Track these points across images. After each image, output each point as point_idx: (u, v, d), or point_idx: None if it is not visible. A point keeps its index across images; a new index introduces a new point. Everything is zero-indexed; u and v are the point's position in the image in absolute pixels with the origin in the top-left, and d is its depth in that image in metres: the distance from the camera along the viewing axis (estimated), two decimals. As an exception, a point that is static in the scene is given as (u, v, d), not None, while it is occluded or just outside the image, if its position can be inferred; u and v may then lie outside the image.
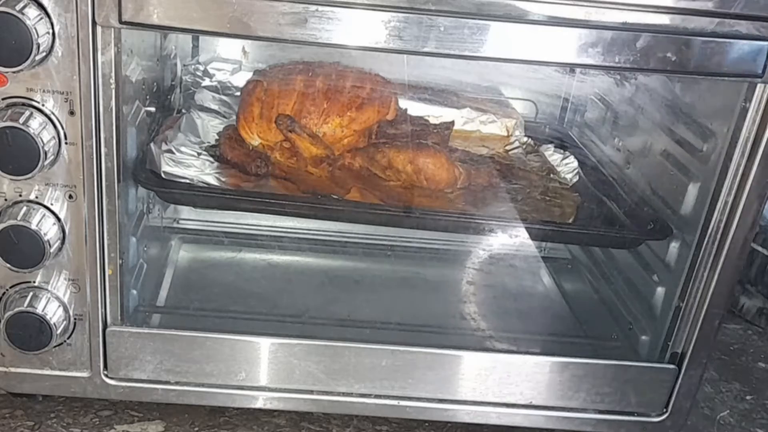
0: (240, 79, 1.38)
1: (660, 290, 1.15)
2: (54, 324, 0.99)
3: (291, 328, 1.22)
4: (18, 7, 0.84)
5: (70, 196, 0.97)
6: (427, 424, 1.17)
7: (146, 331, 1.06)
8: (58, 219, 0.97)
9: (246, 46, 1.46)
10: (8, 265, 0.97)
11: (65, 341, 1.04)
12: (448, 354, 1.11)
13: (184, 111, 1.31)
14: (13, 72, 0.89)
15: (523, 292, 1.51)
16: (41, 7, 0.87)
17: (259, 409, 1.13)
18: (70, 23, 0.88)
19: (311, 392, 1.10)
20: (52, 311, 0.99)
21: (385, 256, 1.53)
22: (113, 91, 0.93)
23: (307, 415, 1.15)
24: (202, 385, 1.08)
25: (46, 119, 0.92)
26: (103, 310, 1.03)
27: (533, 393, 1.13)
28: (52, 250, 0.96)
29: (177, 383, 1.08)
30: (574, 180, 1.32)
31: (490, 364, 1.11)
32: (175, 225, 1.50)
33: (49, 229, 0.95)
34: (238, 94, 1.30)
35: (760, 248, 1.52)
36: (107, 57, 0.91)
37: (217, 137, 1.26)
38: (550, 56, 0.96)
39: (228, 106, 1.36)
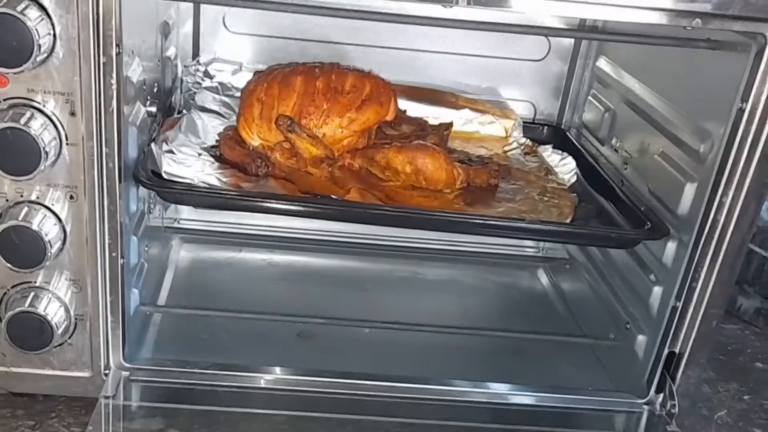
0: (240, 80, 1.38)
1: (657, 290, 1.15)
2: (55, 324, 0.99)
3: (291, 327, 1.23)
4: (19, 8, 0.85)
5: (71, 197, 0.97)
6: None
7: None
8: (59, 219, 0.97)
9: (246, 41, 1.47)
10: (9, 265, 0.97)
11: (66, 341, 1.04)
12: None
13: (184, 111, 1.31)
14: (14, 73, 0.89)
15: (521, 292, 1.52)
16: (42, 8, 0.87)
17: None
18: (71, 24, 0.89)
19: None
20: (53, 311, 1.00)
21: (385, 256, 1.54)
22: (114, 92, 0.93)
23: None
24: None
25: (47, 120, 0.92)
26: (104, 310, 1.04)
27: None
28: (53, 251, 0.96)
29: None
30: (572, 180, 1.32)
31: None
32: (175, 225, 1.50)
33: (50, 230, 0.96)
34: (239, 94, 1.30)
35: (757, 249, 1.53)
36: (108, 57, 0.91)
37: (217, 138, 1.26)
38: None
39: (228, 107, 1.36)
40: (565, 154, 1.39)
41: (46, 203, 0.97)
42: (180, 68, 1.42)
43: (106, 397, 1.04)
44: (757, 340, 1.52)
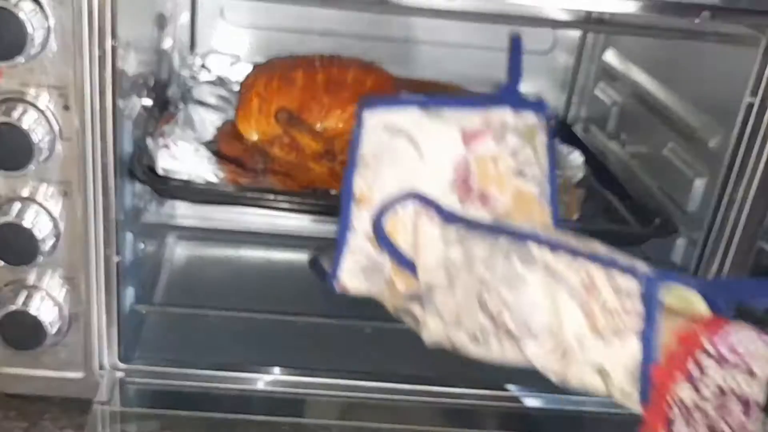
0: (239, 73, 1.37)
1: (665, 289, 1.14)
2: (48, 323, 0.98)
3: (291, 327, 1.21)
4: (12, 1, 0.83)
5: (65, 193, 0.96)
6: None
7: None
8: (52, 216, 0.95)
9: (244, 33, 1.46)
10: (1, 263, 0.96)
11: (60, 341, 1.02)
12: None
13: (181, 105, 1.30)
14: (7, 67, 0.88)
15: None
16: (36, 0, 0.85)
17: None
18: (65, 17, 0.87)
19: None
20: (46, 310, 0.98)
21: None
22: (109, 86, 0.92)
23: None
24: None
25: (41, 114, 0.90)
26: (99, 308, 1.02)
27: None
28: (46, 248, 0.95)
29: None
30: (579, 176, 1.30)
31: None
32: (172, 221, 1.49)
33: (43, 227, 0.94)
34: (237, 88, 1.29)
35: (767, 246, 1.51)
36: (103, 51, 0.90)
37: (215, 132, 1.25)
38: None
39: (226, 101, 1.35)
40: (572, 148, 1.37)
41: (39, 200, 0.95)
42: (177, 61, 1.41)
43: (102, 403, 1.02)
44: None
